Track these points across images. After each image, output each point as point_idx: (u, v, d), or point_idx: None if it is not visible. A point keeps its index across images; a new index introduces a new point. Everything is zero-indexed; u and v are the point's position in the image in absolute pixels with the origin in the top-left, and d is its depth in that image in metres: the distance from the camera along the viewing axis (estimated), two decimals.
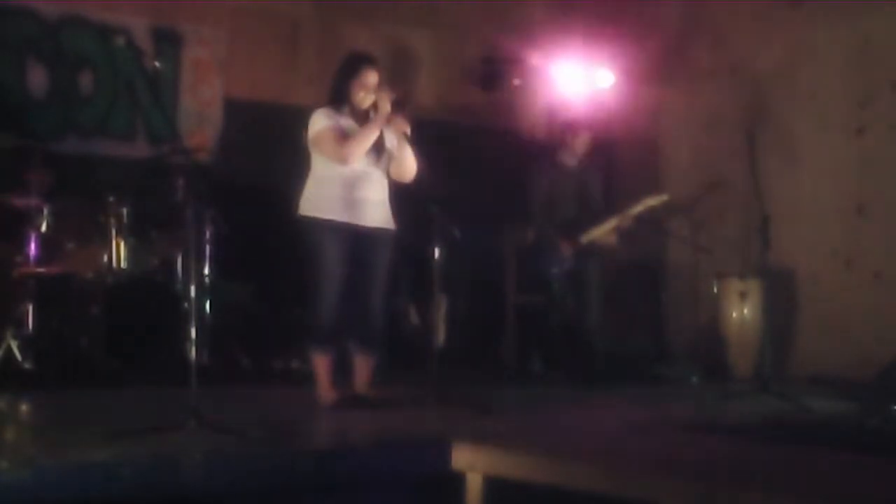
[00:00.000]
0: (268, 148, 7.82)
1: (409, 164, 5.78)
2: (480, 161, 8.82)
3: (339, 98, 5.75)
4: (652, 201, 7.49)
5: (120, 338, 6.83)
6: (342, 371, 5.84)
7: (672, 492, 3.97)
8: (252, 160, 8.05)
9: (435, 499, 4.59)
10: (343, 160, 5.62)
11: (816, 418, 6.04)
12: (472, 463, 4.55)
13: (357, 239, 5.68)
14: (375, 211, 5.75)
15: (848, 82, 8.02)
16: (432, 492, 4.57)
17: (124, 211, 7.01)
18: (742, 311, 7.99)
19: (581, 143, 7.72)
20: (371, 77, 5.72)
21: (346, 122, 5.71)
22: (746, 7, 8.60)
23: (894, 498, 3.92)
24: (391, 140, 5.77)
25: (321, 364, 5.74)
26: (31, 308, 6.71)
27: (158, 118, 7.85)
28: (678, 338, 8.88)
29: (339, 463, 4.51)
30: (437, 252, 6.06)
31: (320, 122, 5.67)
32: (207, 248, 7.19)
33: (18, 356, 6.56)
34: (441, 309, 7.38)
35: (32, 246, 6.79)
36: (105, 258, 6.94)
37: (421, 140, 5.79)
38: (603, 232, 7.55)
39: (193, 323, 5.03)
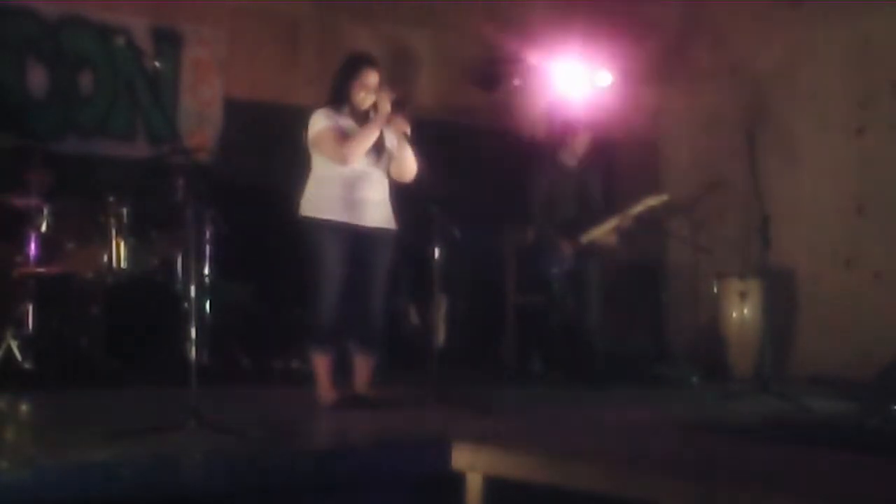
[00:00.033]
0: (268, 148, 7.82)
1: (409, 165, 5.78)
2: (480, 161, 8.82)
3: (339, 98, 5.75)
4: (652, 201, 7.49)
5: (120, 338, 6.83)
6: (342, 371, 5.84)
7: (672, 492, 3.97)
8: (252, 160, 8.05)
9: (435, 499, 4.59)
10: (343, 160, 5.62)
11: (816, 418, 6.04)
12: (472, 463, 4.54)
13: (357, 239, 5.68)
14: (376, 211, 5.75)
15: (848, 82, 8.02)
16: (432, 492, 4.57)
17: (124, 211, 7.01)
18: (742, 311, 8.00)
19: (581, 144, 7.72)
20: (371, 77, 5.72)
21: (346, 122, 5.71)
22: (746, 7, 8.61)
23: (894, 498, 3.92)
24: (391, 140, 5.77)
25: (321, 364, 5.74)
26: (31, 308, 6.71)
27: (158, 118, 7.85)
28: (678, 338, 8.88)
29: (339, 463, 4.51)
30: (437, 252, 6.06)
31: (320, 123, 5.67)
32: (207, 248, 7.19)
33: (18, 356, 6.56)
34: (441, 309, 7.38)
35: (32, 246, 6.78)
36: (105, 258, 6.94)
37: (421, 140, 5.79)
38: (603, 232, 7.55)
39: (193, 323, 5.03)
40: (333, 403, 5.68)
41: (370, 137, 5.65)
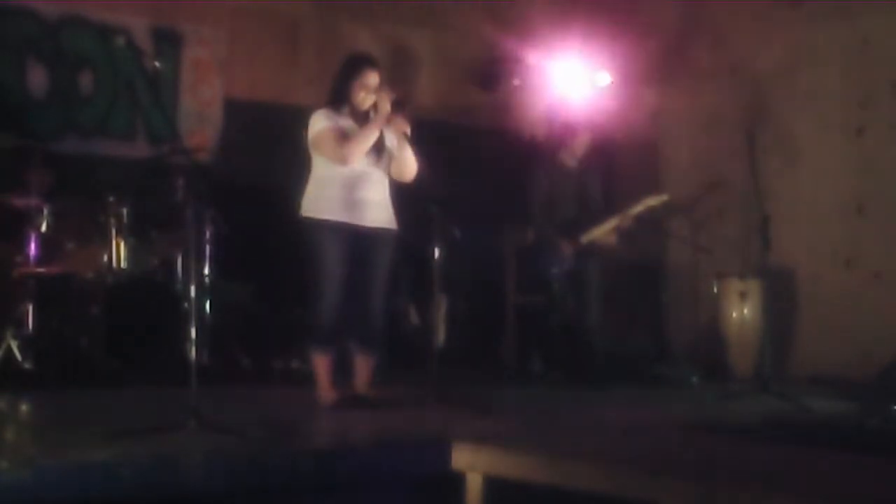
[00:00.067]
0: (268, 148, 7.82)
1: (409, 165, 5.78)
2: (480, 161, 8.82)
3: (339, 98, 5.75)
4: (652, 201, 7.49)
5: (120, 338, 6.83)
6: (342, 371, 5.84)
7: (672, 492, 3.97)
8: (252, 160, 8.05)
9: (435, 499, 4.59)
10: (343, 161, 5.62)
11: (816, 418, 6.04)
12: (472, 463, 4.54)
13: (358, 239, 5.68)
14: (376, 211, 5.75)
15: (848, 82, 8.02)
16: (432, 492, 4.57)
17: (124, 211, 7.01)
18: (742, 311, 8.00)
19: (581, 144, 7.71)
20: (372, 78, 5.72)
21: (346, 122, 5.71)
22: (746, 7, 8.61)
23: (894, 498, 3.92)
24: (391, 140, 5.77)
25: (321, 364, 5.74)
26: (31, 308, 6.71)
27: (158, 118, 7.85)
28: (678, 338, 8.88)
29: (339, 463, 4.51)
30: (437, 252, 6.06)
31: (320, 123, 5.67)
32: (207, 248, 7.18)
33: (18, 356, 6.56)
34: (441, 309, 7.38)
35: (32, 246, 6.78)
36: (105, 258, 6.94)
37: (421, 140, 5.79)
38: (603, 232, 7.55)
39: (193, 323, 5.03)
40: (333, 403, 5.68)
41: (370, 138, 5.65)
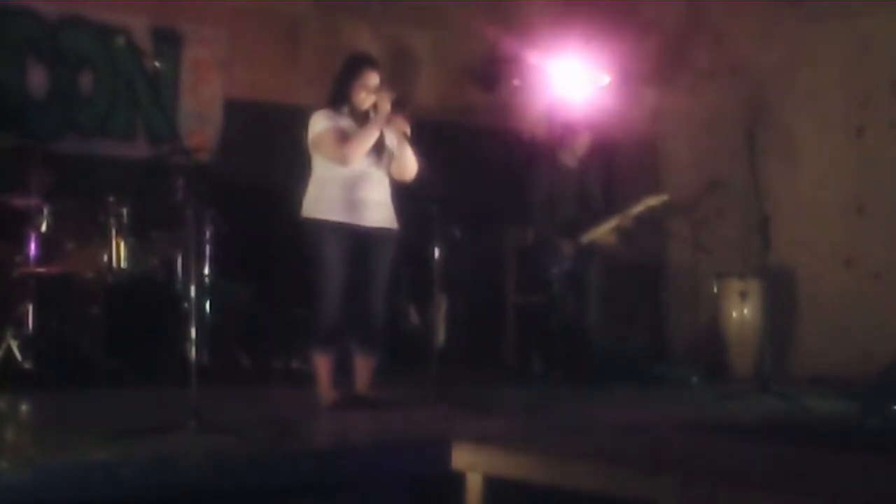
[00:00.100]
0: (268, 148, 7.82)
1: (409, 164, 5.78)
2: (480, 161, 8.82)
3: (339, 99, 5.75)
4: (652, 201, 7.49)
5: (120, 338, 6.83)
6: (342, 371, 5.84)
7: (672, 492, 3.97)
8: (252, 160, 8.04)
9: (435, 499, 4.59)
10: (344, 161, 5.62)
11: (816, 418, 6.04)
12: (472, 463, 4.54)
13: (358, 239, 5.68)
14: (377, 211, 5.75)
15: (848, 82, 8.02)
16: (432, 492, 4.57)
17: (124, 211, 7.01)
18: (742, 311, 8.00)
19: (581, 144, 7.72)
20: (372, 78, 5.72)
21: (346, 122, 5.71)
22: (746, 7, 8.61)
23: (894, 498, 3.92)
24: (391, 140, 5.77)
25: (322, 364, 5.74)
26: (31, 308, 6.70)
27: (158, 118, 7.85)
28: (678, 338, 8.89)
29: (339, 463, 4.51)
30: (437, 252, 6.06)
31: (320, 124, 5.67)
32: (207, 248, 7.18)
33: (18, 356, 6.56)
34: (441, 309, 7.37)
35: (32, 246, 6.78)
36: (105, 258, 6.93)
37: (421, 140, 5.79)
38: (603, 232, 7.55)
39: (193, 323, 5.03)
40: (333, 403, 5.68)
41: (370, 138, 5.65)
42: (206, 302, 7.12)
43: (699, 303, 8.61)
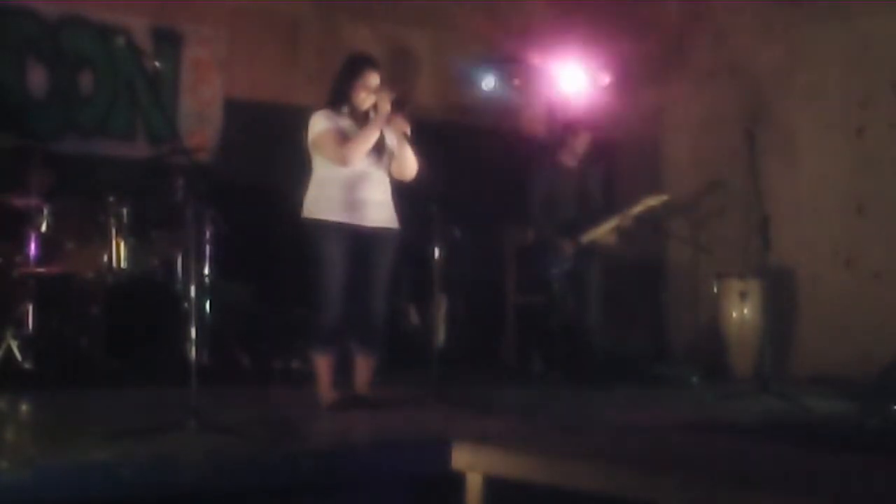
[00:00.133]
0: (268, 148, 7.82)
1: (409, 164, 5.78)
2: (480, 161, 8.82)
3: (339, 99, 5.74)
4: (652, 201, 7.49)
5: (120, 338, 6.82)
6: (342, 371, 5.84)
7: (672, 492, 3.97)
8: (252, 160, 8.04)
9: (435, 499, 4.59)
10: (344, 162, 5.61)
11: (816, 418, 6.04)
12: (472, 463, 4.54)
13: (359, 239, 5.67)
14: (377, 211, 5.75)
15: (848, 82, 8.02)
16: (432, 492, 4.57)
17: (124, 211, 7.01)
18: (742, 311, 8.00)
19: (581, 143, 7.72)
20: (373, 79, 5.71)
21: (345, 122, 5.70)
22: (746, 7, 8.61)
23: (894, 498, 3.92)
24: (392, 140, 5.77)
25: (323, 364, 5.73)
26: (31, 308, 6.70)
27: (158, 118, 7.85)
28: (678, 338, 8.89)
29: (339, 463, 4.51)
30: (437, 252, 6.06)
31: (320, 125, 5.67)
32: (207, 248, 7.18)
33: (18, 356, 6.56)
34: (441, 309, 7.38)
35: (32, 246, 6.78)
36: (105, 258, 6.94)
37: (421, 140, 5.79)
38: (603, 232, 7.55)
39: (193, 323, 5.03)
40: (333, 404, 5.68)
41: (371, 138, 5.64)
42: (206, 302, 7.12)
43: (699, 303, 8.61)
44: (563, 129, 7.91)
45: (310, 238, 5.68)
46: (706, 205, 8.62)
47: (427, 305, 7.39)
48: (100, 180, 7.43)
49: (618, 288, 8.12)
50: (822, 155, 8.15)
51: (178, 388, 4.98)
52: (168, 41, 8.06)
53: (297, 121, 5.89)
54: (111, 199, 6.99)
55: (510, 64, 8.92)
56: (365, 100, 5.70)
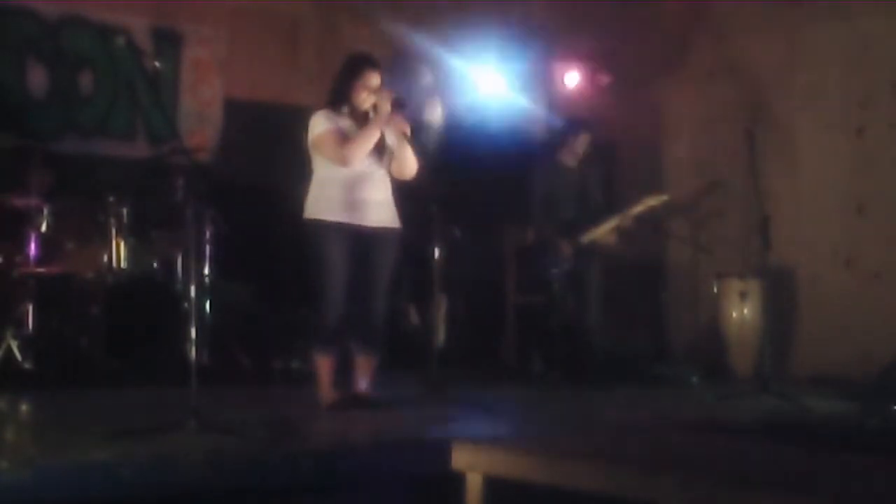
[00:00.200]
0: (268, 148, 7.82)
1: (409, 164, 5.77)
2: (480, 161, 8.81)
3: (339, 99, 5.74)
4: (652, 201, 7.48)
5: (120, 338, 6.83)
6: (343, 371, 5.84)
7: (672, 492, 3.97)
8: (252, 160, 8.05)
9: (435, 499, 4.59)
10: (344, 162, 5.61)
11: (816, 418, 6.04)
12: (472, 463, 4.54)
13: (360, 239, 5.67)
14: (378, 211, 5.74)
15: (848, 82, 8.03)
16: (432, 492, 4.57)
17: (124, 211, 7.01)
18: (742, 311, 8.00)
19: (581, 143, 7.72)
20: (373, 79, 5.71)
21: (346, 123, 5.70)
22: (746, 7, 8.61)
23: (894, 498, 3.92)
24: (392, 140, 5.77)
25: (323, 365, 5.73)
26: (31, 308, 6.70)
27: (158, 118, 7.85)
28: (678, 338, 8.89)
29: (339, 463, 4.51)
30: (437, 252, 6.06)
31: (320, 125, 5.66)
32: (207, 248, 7.18)
33: (18, 356, 6.56)
34: (441, 309, 7.38)
35: (32, 246, 6.78)
36: (105, 258, 6.94)
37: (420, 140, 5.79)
38: (603, 232, 7.55)
39: (193, 323, 5.03)
40: (333, 403, 5.68)
41: (371, 139, 5.64)
42: (206, 302, 7.13)
43: (699, 303, 8.61)
44: (563, 129, 7.91)
45: (310, 238, 5.68)
46: (706, 205, 8.62)
47: (427, 305, 7.39)
48: (100, 180, 7.43)
49: (618, 288, 8.12)
50: (822, 155, 8.15)
51: (178, 388, 4.98)
52: (168, 41, 8.06)
53: (297, 121, 5.89)
54: (111, 199, 6.99)
55: (511, 64, 8.92)
56: (365, 100, 5.70)
